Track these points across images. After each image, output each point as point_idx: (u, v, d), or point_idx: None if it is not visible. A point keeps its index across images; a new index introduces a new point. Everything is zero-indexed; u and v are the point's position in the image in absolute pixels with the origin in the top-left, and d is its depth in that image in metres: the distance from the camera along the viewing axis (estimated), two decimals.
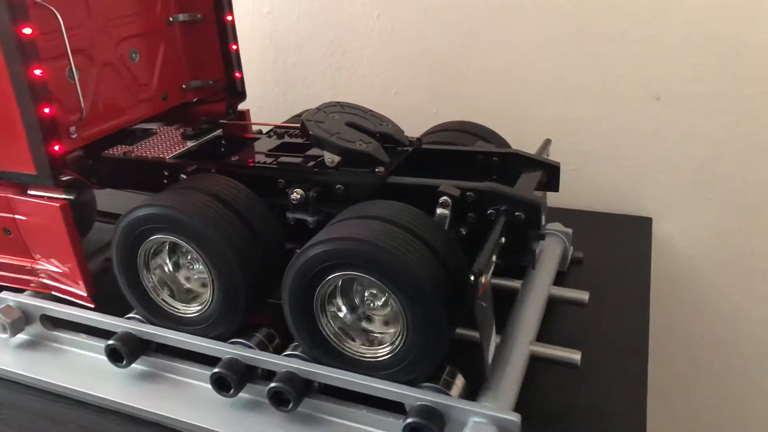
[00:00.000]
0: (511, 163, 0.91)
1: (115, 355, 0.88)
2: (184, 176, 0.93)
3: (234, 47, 1.16)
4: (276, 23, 1.44)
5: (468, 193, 0.80)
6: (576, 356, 0.82)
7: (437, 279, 0.71)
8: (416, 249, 0.72)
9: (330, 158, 0.86)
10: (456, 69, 1.33)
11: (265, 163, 0.91)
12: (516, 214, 0.78)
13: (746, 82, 1.16)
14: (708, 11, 1.14)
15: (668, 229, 1.30)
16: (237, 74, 1.17)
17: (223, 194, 0.85)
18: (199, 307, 0.86)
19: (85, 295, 0.92)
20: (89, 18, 0.98)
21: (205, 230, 0.80)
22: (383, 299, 0.78)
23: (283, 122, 1.14)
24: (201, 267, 0.85)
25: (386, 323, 0.79)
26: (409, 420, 0.73)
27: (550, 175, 0.89)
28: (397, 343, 0.74)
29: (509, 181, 0.87)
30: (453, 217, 0.80)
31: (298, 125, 1.02)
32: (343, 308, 0.79)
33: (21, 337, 0.98)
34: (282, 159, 0.90)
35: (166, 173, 0.96)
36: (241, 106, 1.22)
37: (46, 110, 0.83)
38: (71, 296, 0.94)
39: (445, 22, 1.31)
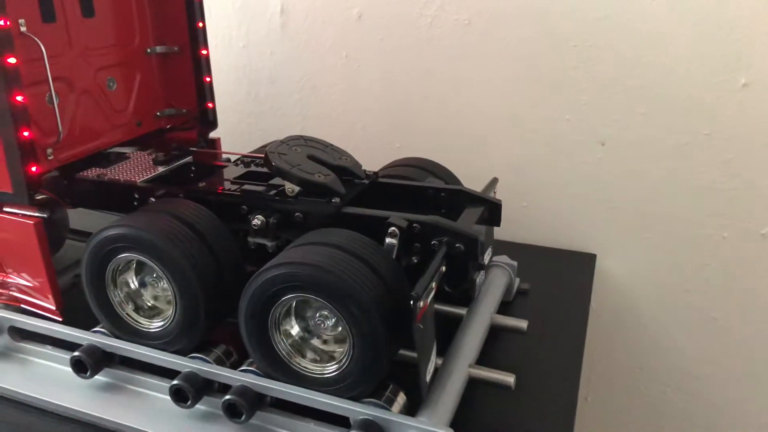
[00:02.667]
0: (457, 199, 0.99)
1: (79, 366, 0.93)
2: (153, 199, 0.99)
3: (207, 79, 1.23)
4: (250, 57, 1.52)
5: (414, 225, 0.87)
6: (510, 379, 0.89)
7: (382, 303, 0.78)
8: (363, 274, 0.79)
9: (290, 188, 0.93)
10: (417, 107, 1.42)
11: (229, 190, 0.98)
12: (456, 245, 0.86)
13: (681, 132, 1.26)
14: (647, 67, 1.24)
15: (610, 265, 1.39)
16: (209, 104, 1.25)
17: (187, 217, 0.91)
18: (162, 323, 0.91)
19: (53, 308, 0.97)
20: (70, 47, 1.05)
21: (168, 250, 0.86)
22: (334, 320, 0.84)
23: (251, 152, 1.21)
24: (165, 285, 0.91)
25: (338, 342, 0.85)
26: None
27: (492, 211, 0.97)
28: (343, 361, 0.81)
29: (455, 215, 0.95)
30: (401, 247, 0.87)
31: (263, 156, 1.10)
32: (296, 327, 0.85)
33: None
34: (246, 187, 0.97)
35: (136, 196, 1.02)
36: (214, 134, 1.29)
37: (26, 134, 0.88)
38: (40, 309, 0.99)
39: (408, 63, 1.40)
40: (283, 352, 0.84)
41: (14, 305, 1.03)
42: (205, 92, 1.24)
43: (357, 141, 1.49)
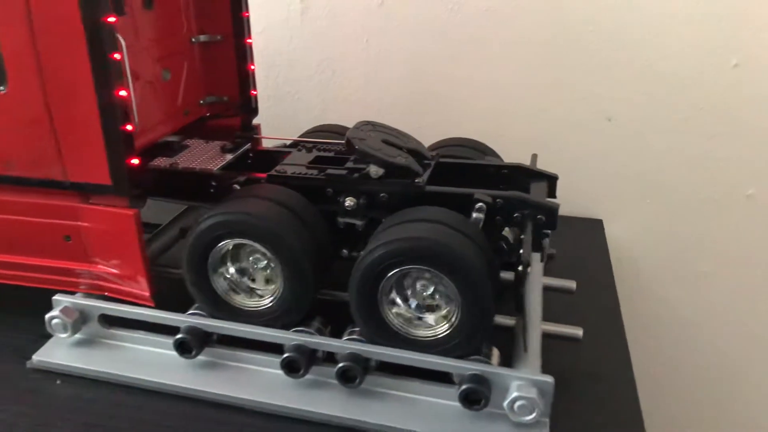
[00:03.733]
0: (517, 175, 1.09)
1: (184, 347, 0.98)
2: (237, 186, 1.04)
3: (251, 67, 1.27)
4: (268, 42, 1.56)
5: (498, 200, 0.97)
6: (579, 332, 1.01)
7: (485, 269, 0.88)
8: (467, 244, 0.88)
9: (375, 170, 1.00)
10: (436, 90, 1.51)
11: (314, 174, 1.04)
12: (538, 217, 0.96)
13: (679, 108, 1.42)
14: (649, 50, 1.38)
15: (615, 229, 1.54)
16: (252, 92, 1.29)
17: (284, 201, 0.97)
18: (268, 301, 0.97)
19: (147, 295, 1.01)
20: (137, 39, 1.08)
21: (279, 232, 0.92)
22: (431, 289, 0.93)
23: (299, 137, 1.27)
24: (264, 266, 0.97)
25: (439, 309, 0.94)
26: (464, 387, 0.89)
27: (549, 185, 1.08)
28: (453, 321, 0.90)
29: (515, 190, 1.04)
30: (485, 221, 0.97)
31: (324, 140, 1.17)
32: (398, 296, 0.93)
33: (77, 336, 1.04)
34: (329, 171, 1.03)
35: (213, 183, 1.07)
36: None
37: (129, 127, 0.92)
38: (129, 297, 1.03)
39: (428, 49, 1.48)
40: (392, 320, 0.93)
41: (97, 293, 1.06)
42: (248, 80, 1.28)
43: None
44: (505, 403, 0.88)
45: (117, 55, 0.89)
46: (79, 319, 1.03)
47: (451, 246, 0.86)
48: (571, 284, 1.15)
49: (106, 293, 1.05)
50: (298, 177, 1.04)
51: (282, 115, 1.61)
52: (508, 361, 0.94)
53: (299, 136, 1.27)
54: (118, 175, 0.94)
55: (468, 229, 0.92)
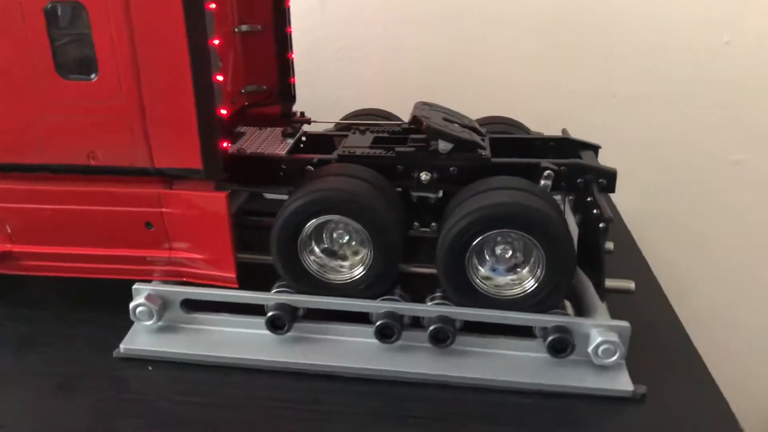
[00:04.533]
0: (563, 146, 1.18)
1: (276, 324, 1.02)
2: (310, 167, 1.08)
3: (291, 56, 1.31)
4: None
5: (561, 167, 1.05)
6: (631, 285, 1.11)
7: (567, 227, 0.96)
8: (549, 207, 0.96)
9: (444, 146, 1.07)
10: (455, 75, 1.58)
11: (380, 152, 1.09)
12: (600, 181, 1.05)
13: (677, 82, 1.55)
14: (648, 31, 1.51)
15: (618, 196, 1.65)
16: (292, 80, 1.33)
17: (368, 178, 1.02)
18: (358, 274, 1.02)
19: (233, 276, 1.04)
20: None
21: (374, 207, 0.97)
22: (510, 252, 1.01)
23: (341, 119, 1.32)
24: (347, 241, 1.02)
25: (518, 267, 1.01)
26: (551, 337, 0.97)
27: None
28: (539, 274, 0.97)
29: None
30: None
31: (374, 123, 1.23)
32: (487, 258, 1.01)
33: (159, 324, 1.06)
34: (398, 149, 1.09)
35: (283, 167, 1.11)
36: None
37: (223, 111, 0.95)
38: (212, 280, 1.05)
39: (446, 33, 1.55)
40: (479, 283, 1.00)
41: (174, 280, 1.08)
42: (288, 68, 1.31)
43: (394, 109, 1.62)
44: (590, 349, 0.97)
45: (216, 41, 0.92)
46: (162, 306, 1.05)
47: (537, 208, 0.94)
48: (610, 245, 1.25)
49: (184, 279, 1.07)
50: (369, 156, 1.09)
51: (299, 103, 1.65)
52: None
53: (340, 120, 1.32)
54: (210, 159, 0.96)
55: (543, 194, 1.00)
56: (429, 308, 1.01)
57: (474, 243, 0.97)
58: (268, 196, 1.39)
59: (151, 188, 1.01)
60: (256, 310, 1.05)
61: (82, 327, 1.11)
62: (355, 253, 1.04)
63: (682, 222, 1.68)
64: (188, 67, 0.91)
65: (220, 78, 0.93)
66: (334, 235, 1.04)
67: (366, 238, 0.99)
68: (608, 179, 1.05)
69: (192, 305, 1.07)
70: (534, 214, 0.94)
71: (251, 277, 1.07)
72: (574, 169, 1.06)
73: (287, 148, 1.15)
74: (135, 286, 1.05)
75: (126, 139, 0.97)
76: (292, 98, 1.34)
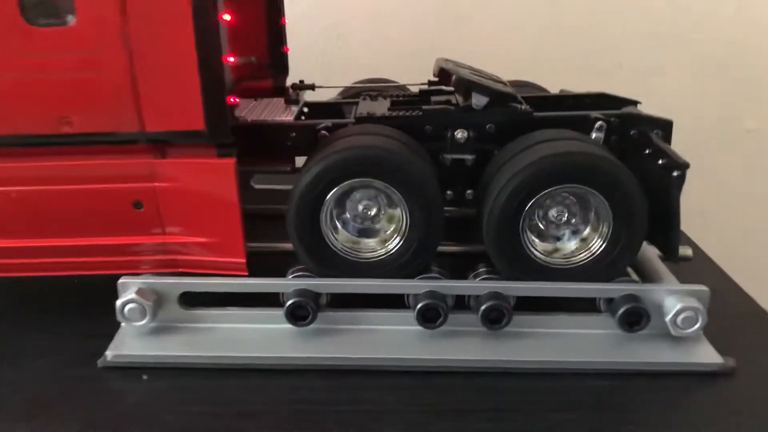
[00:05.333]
0: (600, 103, 1.06)
1: (298, 314, 0.85)
2: (325, 133, 0.93)
3: (284, 21, 1.16)
4: None
5: (612, 119, 0.93)
6: (689, 251, 0.99)
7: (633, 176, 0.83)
8: (613, 160, 0.84)
9: (477, 101, 0.93)
10: (447, 50, 1.46)
11: (406, 113, 0.95)
12: (655, 132, 0.93)
13: (684, 51, 1.47)
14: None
15: None
16: (285, 49, 1.18)
17: (396, 137, 0.88)
18: (392, 248, 0.87)
19: (242, 262, 0.87)
20: None
21: (411, 165, 0.83)
22: (566, 214, 0.88)
23: (349, 86, 1.18)
24: (375, 213, 0.87)
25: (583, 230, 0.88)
26: (622, 309, 0.84)
27: None
28: (606, 233, 0.84)
29: None
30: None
31: (386, 85, 1.08)
32: (542, 222, 0.87)
33: (153, 323, 0.88)
34: (425, 107, 0.95)
35: (293, 135, 0.95)
36: None
37: (231, 59, 0.79)
38: (216, 268, 0.89)
39: (438, 9, 1.43)
40: (533, 251, 0.86)
41: (169, 272, 0.90)
42: (280, 35, 1.16)
43: None
44: (668, 318, 0.84)
45: None
46: (156, 302, 0.87)
47: (601, 155, 0.82)
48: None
49: (181, 269, 0.90)
50: (393, 117, 0.94)
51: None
52: None
53: (340, 93, 1.18)
54: (216, 117, 0.80)
55: (599, 145, 0.88)
56: (480, 284, 0.86)
57: (528, 205, 0.83)
58: (257, 185, 1.23)
59: (141, 159, 0.83)
60: (270, 301, 0.88)
61: (57, 335, 0.91)
62: (390, 222, 0.88)
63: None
64: (188, 3, 0.75)
65: (227, 17, 0.77)
66: (360, 207, 0.89)
67: (402, 203, 0.85)
68: (664, 130, 0.94)
69: (192, 300, 0.90)
70: (598, 162, 0.81)
71: (259, 268, 0.90)
72: (627, 120, 0.94)
73: (294, 115, 0.99)
74: (121, 280, 0.87)
75: (108, 99, 0.80)
76: (285, 70, 1.19)
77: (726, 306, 0.95)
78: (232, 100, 0.81)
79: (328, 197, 0.84)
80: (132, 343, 0.87)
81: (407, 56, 1.46)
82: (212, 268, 0.89)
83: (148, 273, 0.89)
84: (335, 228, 0.88)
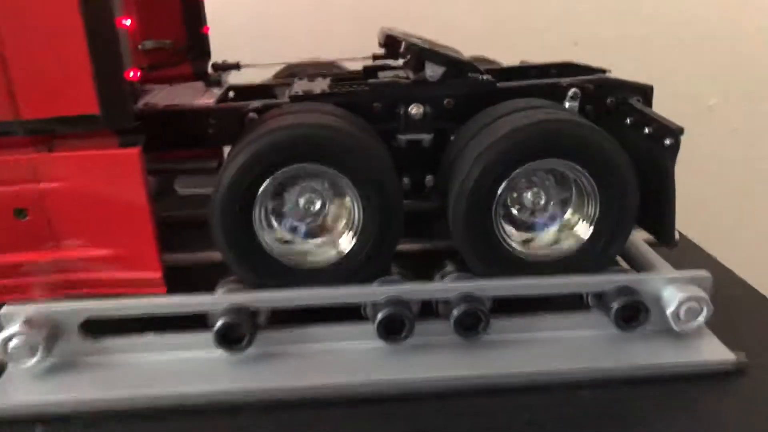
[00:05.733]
0: (567, 73, 0.93)
1: (230, 336, 0.69)
2: (254, 115, 0.77)
3: None
4: None
5: (587, 85, 0.81)
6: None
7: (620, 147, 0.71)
8: (596, 130, 0.71)
9: (432, 71, 0.79)
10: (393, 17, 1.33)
11: (350, 89, 0.80)
12: (635, 98, 0.82)
13: (644, 24, 1.38)
14: None
15: None
16: (204, 29, 1.01)
17: (342, 115, 0.74)
18: (343, 249, 0.72)
19: (158, 276, 0.71)
20: None
21: (364, 146, 0.69)
22: (543, 196, 0.75)
23: (279, 71, 1.02)
24: (320, 208, 0.73)
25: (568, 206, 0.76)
26: (616, 303, 0.71)
27: None
28: (593, 215, 0.72)
29: None
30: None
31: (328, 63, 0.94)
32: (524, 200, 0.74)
33: (49, 361, 0.71)
34: (371, 81, 0.81)
35: (212, 121, 0.79)
36: None
37: (127, 22, 0.63)
38: (126, 288, 0.72)
39: None
40: (514, 242, 0.73)
41: (63, 294, 0.73)
42: (198, 13, 1.00)
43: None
44: (669, 311, 0.72)
45: None
46: (52, 334, 0.70)
47: (582, 124, 0.69)
48: None
49: (82, 290, 0.73)
50: (334, 94, 0.80)
51: None
52: None
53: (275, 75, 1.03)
54: (111, 97, 0.64)
55: (576, 114, 0.76)
56: (449, 286, 0.73)
57: (501, 187, 0.70)
58: (182, 190, 1.06)
59: (19, 154, 0.66)
60: (196, 323, 0.72)
61: None
62: (338, 217, 0.74)
63: None
64: None
65: None
66: (301, 201, 0.73)
67: (352, 192, 0.70)
68: (645, 95, 0.82)
69: (99, 328, 0.72)
70: (580, 131, 0.69)
71: (184, 283, 0.74)
72: (603, 87, 0.82)
73: (215, 98, 0.83)
74: (3, 310, 0.69)
75: None
76: (207, 53, 1.03)
77: (721, 293, 0.84)
78: (132, 74, 0.64)
79: (260, 191, 0.69)
80: (21, 387, 0.69)
81: (349, 37, 1.31)
82: (122, 286, 0.72)
83: (40, 298, 0.71)
84: (271, 227, 0.72)
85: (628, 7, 1.36)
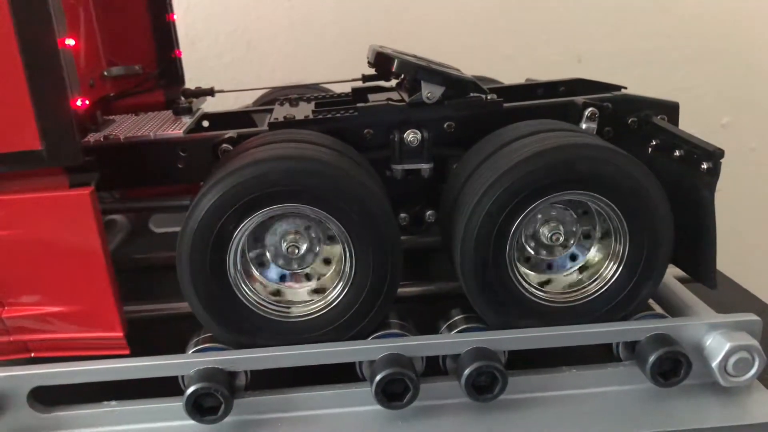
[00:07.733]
0: (577, 91, 0.85)
1: (206, 403, 0.59)
2: (227, 146, 0.68)
3: (172, 17, 0.91)
4: None
5: (605, 104, 0.72)
6: None
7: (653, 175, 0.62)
8: (625, 152, 0.62)
9: (429, 92, 0.70)
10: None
11: (337, 114, 0.71)
12: (660, 116, 0.73)
13: (646, 38, 1.30)
14: None
15: None
16: (177, 53, 0.92)
17: (328, 144, 0.64)
18: (332, 300, 0.62)
19: (119, 335, 0.61)
20: None
21: (344, 177, 0.59)
22: (561, 232, 0.65)
23: (256, 101, 0.93)
24: (305, 252, 0.63)
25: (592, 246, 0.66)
26: (653, 356, 0.61)
27: None
28: (621, 255, 0.62)
29: None
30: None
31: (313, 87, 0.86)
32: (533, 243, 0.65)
33: None
34: (360, 105, 0.71)
35: (182, 153, 0.70)
36: None
37: (70, 41, 0.54)
38: (82, 350, 0.62)
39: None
40: (528, 286, 0.63)
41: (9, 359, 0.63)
42: (169, 36, 0.91)
43: None
44: (715, 363, 0.62)
45: None
46: None
47: (619, 155, 0.60)
48: None
49: (32, 354, 0.63)
50: (319, 120, 0.70)
51: None
52: None
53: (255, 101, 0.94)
54: (55, 130, 0.54)
55: (597, 137, 0.66)
56: (458, 339, 0.63)
57: (517, 222, 0.60)
58: (157, 229, 0.97)
59: None
60: (166, 389, 0.62)
61: None
62: (327, 263, 0.64)
63: None
64: None
65: None
66: (283, 245, 0.63)
67: (344, 237, 0.60)
68: (670, 113, 0.73)
69: (51, 397, 0.62)
70: (608, 157, 0.59)
71: (154, 341, 0.64)
72: (623, 105, 0.73)
73: (185, 128, 0.74)
74: None
75: None
76: (179, 79, 0.93)
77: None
78: (79, 102, 0.55)
79: (234, 235, 0.59)
80: None
81: (335, 57, 1.23)
82: (79, 348, 0.63)
83: None
84: (249, 276, 0.62)
85: (632, 20, 1.28)
